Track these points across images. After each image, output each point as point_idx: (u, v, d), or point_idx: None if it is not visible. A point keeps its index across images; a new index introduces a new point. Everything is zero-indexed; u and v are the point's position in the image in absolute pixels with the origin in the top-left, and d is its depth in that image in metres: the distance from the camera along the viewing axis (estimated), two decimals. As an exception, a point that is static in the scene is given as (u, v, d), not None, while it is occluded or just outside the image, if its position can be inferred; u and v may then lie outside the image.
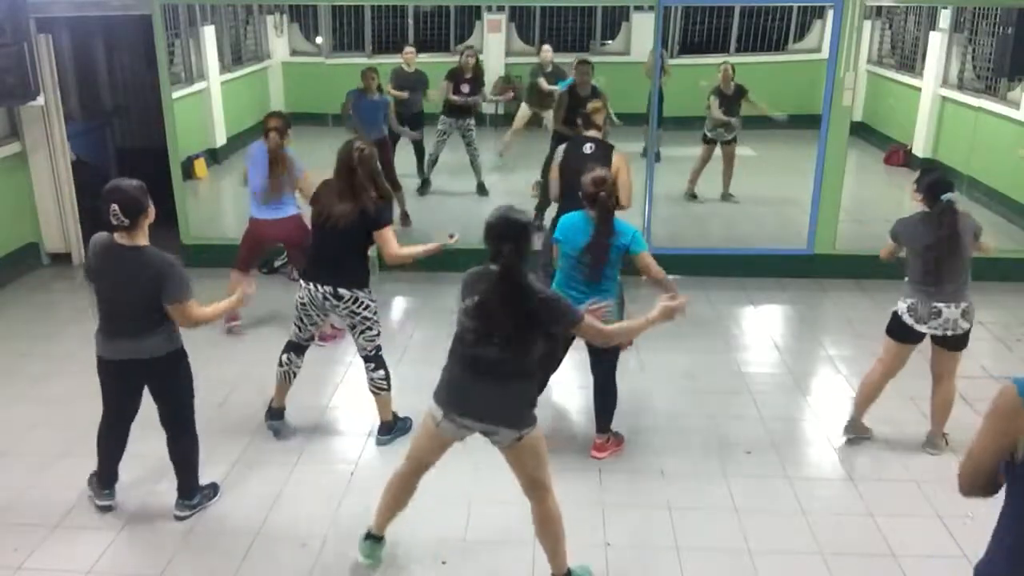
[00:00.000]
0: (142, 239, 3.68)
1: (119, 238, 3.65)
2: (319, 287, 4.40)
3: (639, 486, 4.27)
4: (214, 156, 9.80)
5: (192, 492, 4.06)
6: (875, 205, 8.92)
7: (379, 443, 4.66)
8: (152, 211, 3.69)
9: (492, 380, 3.24)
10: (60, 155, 7.14)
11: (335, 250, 4.38)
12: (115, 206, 3.57)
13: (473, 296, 3.20)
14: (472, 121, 8.87)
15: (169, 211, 6.97)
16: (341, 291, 4.39)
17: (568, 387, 5.22)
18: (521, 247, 3.15)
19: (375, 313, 4.49)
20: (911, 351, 4.46)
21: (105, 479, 4.06)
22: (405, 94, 8.59)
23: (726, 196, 8.98)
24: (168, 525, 3.96)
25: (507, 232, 3.15)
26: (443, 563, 3.72)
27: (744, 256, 7.22)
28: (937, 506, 4.10)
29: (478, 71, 8.79)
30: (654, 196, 7.15)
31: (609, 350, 4.35)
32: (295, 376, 4.69)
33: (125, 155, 9.11)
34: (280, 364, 4.67)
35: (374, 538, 3.64)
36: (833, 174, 6.86)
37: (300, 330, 4.62)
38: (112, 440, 4.02)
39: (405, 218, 7.99)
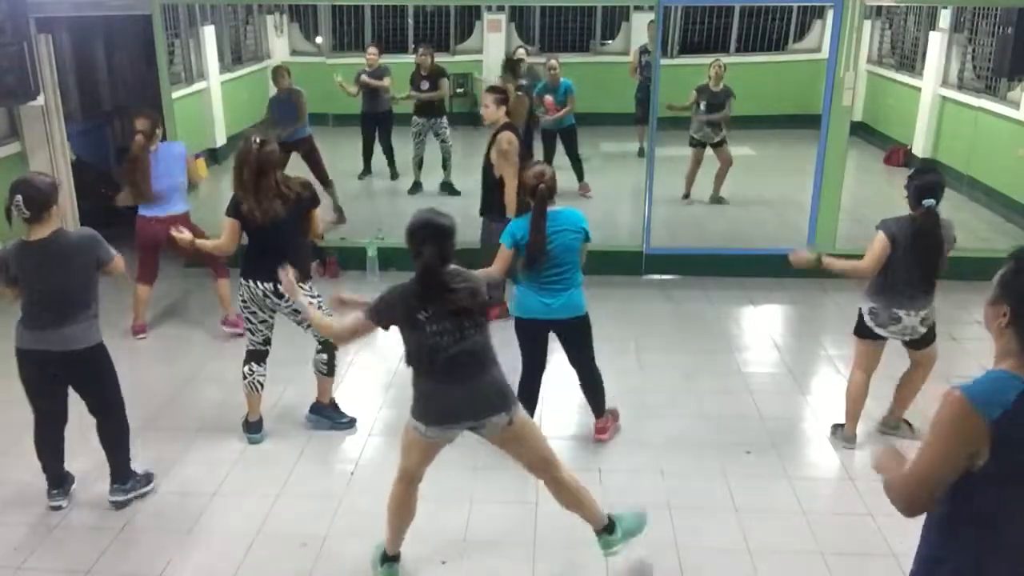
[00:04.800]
0: (51, 227, 3.73)
1: (31, 235, 3.71)
2: (259, 284, 4.39)
3: (639, 486, 4.26)
4: (214, 156, 9.78)
5: (125, 477, 4.09)
6: (875, 205, 8.90)
7: (308, 419, 4.77)
8: (60, 207, 3.76)
9: (474, 374, 3.24)
10: (60, 155, 7.13)
11: (274, 246, 4.30)
12: (19, 197, 3.64)
13: (419, 312, 3.19)
14: (444, 120, 8.96)
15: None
16: (281, 290, 4.35)
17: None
18: (444, 249, 3.18)
19: (320, 307, 4.32)
20: (883, 348, 4.49)
21: (52, 480, 4.07)
22: (386, 81, 8.96)
23: (716, 199, 8.88)
24: (169, 525, 3.96)
25: (428, 234, 3.16)
26: (443, 563, 3.72)
27: (744, 256, 7.22)
28: (937, 506, 4.09)
29: (435, 68, 8.89)
30: (653, 197, 7.14)
31: (583, 343, 4.44)
32: (262, 386, 4.63)
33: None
34: (244, 376, 4.61)
35: (391, 560, 3.58)
36: (833, 174, 6.86)
37: (253, 333, 4.57)
38: (48, 443, 4.03)
39: (340, 213, 8.00)
